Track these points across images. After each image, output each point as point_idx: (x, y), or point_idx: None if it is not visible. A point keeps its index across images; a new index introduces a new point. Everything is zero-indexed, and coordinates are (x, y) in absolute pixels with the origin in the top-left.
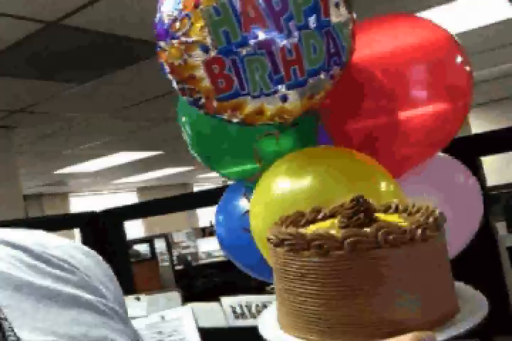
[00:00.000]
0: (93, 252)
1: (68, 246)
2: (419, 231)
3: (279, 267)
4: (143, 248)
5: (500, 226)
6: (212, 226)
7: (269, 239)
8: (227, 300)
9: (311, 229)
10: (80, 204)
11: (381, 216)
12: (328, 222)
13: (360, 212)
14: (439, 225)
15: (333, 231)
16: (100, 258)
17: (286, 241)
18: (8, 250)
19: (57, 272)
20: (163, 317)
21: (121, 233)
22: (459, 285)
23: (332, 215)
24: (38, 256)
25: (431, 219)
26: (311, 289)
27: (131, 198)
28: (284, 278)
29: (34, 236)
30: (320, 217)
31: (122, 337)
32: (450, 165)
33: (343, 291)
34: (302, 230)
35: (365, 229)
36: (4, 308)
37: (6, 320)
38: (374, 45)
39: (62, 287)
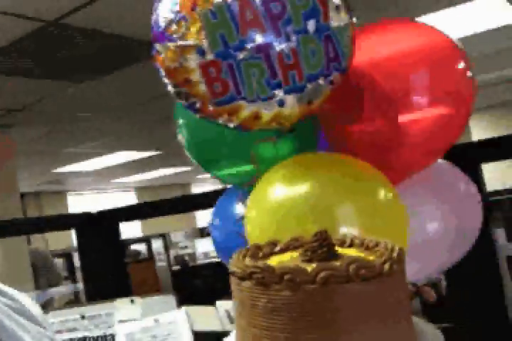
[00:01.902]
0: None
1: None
2: (387, 265)
3: (245, 301)
4: (140, 248)
5: (500, 233)
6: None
7: (233, 273)
8: (223, 305)
9: (274, 262)
10: (78, 203)
11: (341, 250)
12: (286, 255)
13: (323, 246)
14: (401, 260)
15: (303, 265)
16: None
17: (254, 275)
18: None
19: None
20: (157, 321)
21: (117, 234)
22: (416, 320)
23: (287, 249)
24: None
25: (395, 254)
26: (280, 324)
27: (129, 197)
28: (250, 312)
29: None
30: (276, 250)
31: None
32: (450, 172)
33: (313, 326)
34: (269, 263)
35: (335, 263)
36: None
37: None
38: (374, 50)
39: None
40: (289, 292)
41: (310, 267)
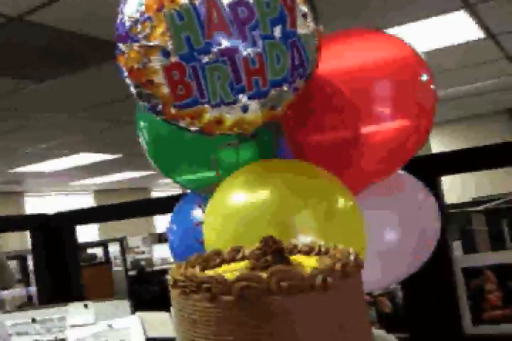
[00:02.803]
0: None
1: None
2: (319, 278)
3: (175, 310)
4: (97, 251)
5: (456, 246)
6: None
7: (168, 280)
8: None
9: (219, 270)
10: (35, 204)
11: (298, 258)
12: (242, 263)
13: (267, 253)
14: (347, 273)
15: (228, 274)
16: None
17: (178, 283)
18: None
19: None
20: (110, 326)
21: (73, 237)
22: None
23: (248, 256)
24: None
25: (337, 265)
26: (203, 335)
27: (87, 200)
28: (179, 321)
29: None
30: (239, 257)
31: None
32: (409, 183)
33: (235, 340)
34: (198, 272)
35: (260, 274)
36: None
37: None
38: (340, 58)
39: None
40: (208, 302)
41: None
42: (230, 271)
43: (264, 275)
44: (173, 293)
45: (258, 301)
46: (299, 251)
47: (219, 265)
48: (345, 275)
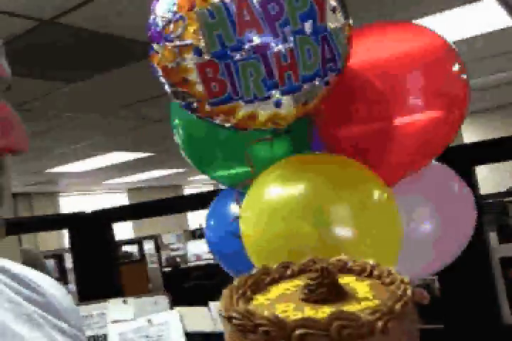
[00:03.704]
0: (58, 284)
1: (38, 274)
2: (380, 323)
3: None
4: (132, 249)
5: (492, 237)
6: (201, 228)
7: (220, 313)
8: (216, 305)
9: (273, 295)
10: (69, 204)
11: (350, 282)
12: (294, 284)
13: (323, 285)
14: (407, 313)
15: (284, 315)
16: (64, 290)
17: (233, 320)
18: None
19: (29, 293)
20: (150, 321)
21: (110, 235)
22: None
23: (301, 271)
24: (13, 276)
25: (397, 306)
26: None
27: (121, 199)
28: None
29: (8, 261)
30: (288, 273)
31: None
32: (444, 173)
33: None
34: (253, 308)
35: (319, 318)
36: None
37: None
38: (370, 51)
39: (31, 306)
40: None
41: (291, 321)
42: (283, 299)
43: (323, 319)
44: (227, 327)
45: None
46: (350, 270)
47: (269, 284)
48: (405, 316)
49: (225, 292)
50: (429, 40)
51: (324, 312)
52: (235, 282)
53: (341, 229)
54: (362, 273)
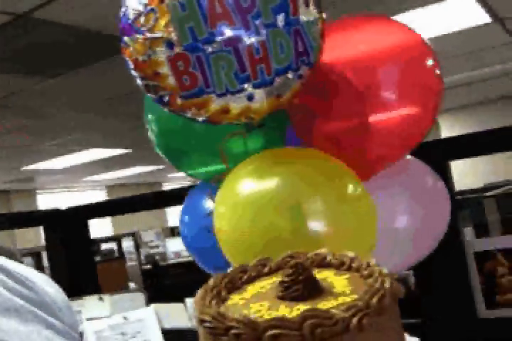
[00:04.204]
0: (52, 281)
1: (31, 271)
2: (355, 320)
3: None
4: (111, 246)
5: (468, 232)
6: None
7: (193, 313)
8: (192, 301)
9: (247, 295)
10: (47, 201)
11: (328, 277)
12: (271, 281)
13: (298, 282)
14: (385, 307)
15: (258, 314)
16: (58, 287)
17: (204, 323)
18: None
19: (20, 288)
20: (126, 318)
21: (86, 231)
22: None
23: (279, 268)
24: (6, 272)
25: (374, 300)
26: None
27: (100, 196)
28: None
29: (3, 258)
30: (265, 270)
31: None
32: (418, 168)
33: None
34: (223, 309)
35: (291, 317)
36: None
37: None
38: (345, 45)
39: (23, 303)
40: None
41: (261, 322)
42: (258, 298)
43: (295, 319)
44: (200, 329)
45: None
46: (328, 264)
47: (246, 283)
48: (382, 310)
49: (199, 293)
50: (403, 35)
51: (299, 310)
52: (210, 282)
53: (316, 223)
54: (341, 266)
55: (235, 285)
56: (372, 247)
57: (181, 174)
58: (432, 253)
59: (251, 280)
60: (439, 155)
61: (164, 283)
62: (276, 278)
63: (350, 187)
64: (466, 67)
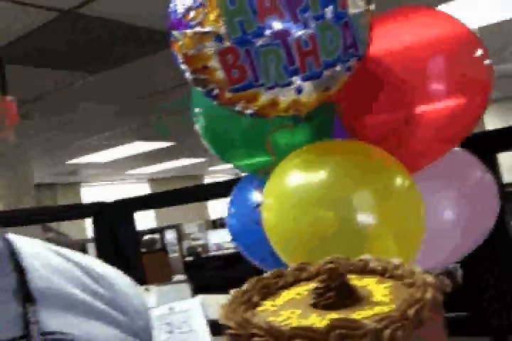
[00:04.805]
0: (134, 284)
1: (110, 269)
2: (387, 332)
3: None
4: (152, 237)
5: None
6: (222, 218)
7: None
8: None
9: (279, 301)
10: (91, 194)
11: (368, 285)
12: (308, 287)
13: (331, 289)
14: (422, 319)
15: (287, 322)
16: (139, 291)
17: (229, 329)
18: (65, 264)
19: (98, 288)
20: (172, 309)
21: (132, 224)
22: None
23: (317, 274)
24: (85, 269)
25: (411, 311)
26: None
27: (143, 189)
28: None
29: (88, 258)
30: (304, 276)
31: None
32: (466, 160)
33: None
34: (251, 315)
35: (318, 327)
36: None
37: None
38: (392, 37)
39: (100, 303)
40: None
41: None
42: (291, 304)
43: (322, 329)
44: (225, 335)
45: None
46: (372, 271)
47: (282, 288)
48: (420, 322)
49: (230, 297)
50: (451, 26)
51: (330, 319)
52: (244, 286)
53: (364, 216)
54: (384, 273)
55: (269, 290)
56: (420, 242)
57: (222, 167)
58: (480, 246)
59: (288, 285)
60: (486, 147)
61: (206, 274)
62: (314, 284)
63: (399, 180)
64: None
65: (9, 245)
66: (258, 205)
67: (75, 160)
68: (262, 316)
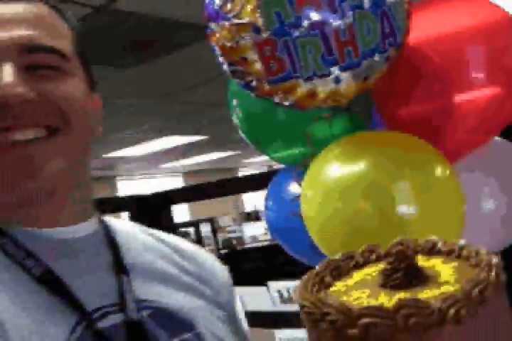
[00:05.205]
0: (218, 260)
1: (197, 248)
2: (452, 311)
3: (308, 330)
4: (185, 230)
5: None
6: (256, 210)
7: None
8: (275, 285)
9: (350, 282)
10: (126, 188)
11: (435, 265)
12: (377, 269)
13: (398, 270)
14: (486, 298)
15: (357, 302)
16: (226, 270)
17: (304, 308)
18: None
19: (188, 265)
20: None
21: (170, 216)
22: None
23: (387, 255)
24: (175, 248)
25: (475, 291)
26: None
27: (177, 183)
28: None
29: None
30: (373, 257)
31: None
32: (507, 150)
33: None
34: (324, 296)
35: (386, 306)
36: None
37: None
38: (430, 26)
39: (190, 279)
40: (330, 333)
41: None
42: (361, 285)
43: (390, 307)
44: (303, 316)
45: (384, 338)
46: (438, 252)
47: (352, 269)
48: (483, 301)
49: (303, 278)
50: (490, 13)
51: (398, 298)
52: (316, 267)
53: (404, 207)
54: (450, 254)
55: (341, 271)
56: (460, 232)
57: (257, 159)
58: None
59: (358, 266)
60: None
61: (242, 266)
62: (382, 266)
63: (440, 171)
64: None
65: (105, 226)
66: (297, 197)
67: (109, 155)
68: (334, 296)
